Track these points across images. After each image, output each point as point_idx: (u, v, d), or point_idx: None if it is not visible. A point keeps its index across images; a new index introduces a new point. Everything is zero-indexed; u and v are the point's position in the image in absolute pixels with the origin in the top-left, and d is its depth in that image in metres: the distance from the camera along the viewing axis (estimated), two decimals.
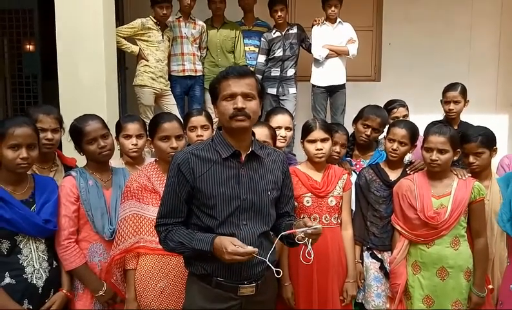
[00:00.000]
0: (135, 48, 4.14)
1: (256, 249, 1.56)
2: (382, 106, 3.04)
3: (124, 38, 4.07)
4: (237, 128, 1.68)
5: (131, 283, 2.08)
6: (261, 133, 2.31)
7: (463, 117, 3.36)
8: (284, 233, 1.68)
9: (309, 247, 1.62)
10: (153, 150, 2.23)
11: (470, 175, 2.35)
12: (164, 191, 1.76)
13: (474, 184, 2.26)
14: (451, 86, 3.31)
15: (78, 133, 2.19)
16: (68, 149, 2.36)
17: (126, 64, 4.62)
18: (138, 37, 4.16)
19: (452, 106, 3.24)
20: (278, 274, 1.67)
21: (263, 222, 1.74)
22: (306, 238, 1.62)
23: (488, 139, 2.42)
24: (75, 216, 2.13)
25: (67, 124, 2.31)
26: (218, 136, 1.76)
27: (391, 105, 3.32)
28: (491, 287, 2.29)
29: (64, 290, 2.10)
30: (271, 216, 1.78)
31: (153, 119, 2.29)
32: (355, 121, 2.87)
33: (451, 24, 5.12)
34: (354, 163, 2.82)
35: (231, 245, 1.56)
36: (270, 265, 1.67)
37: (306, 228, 1.61)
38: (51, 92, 3.83)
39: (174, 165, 1.72)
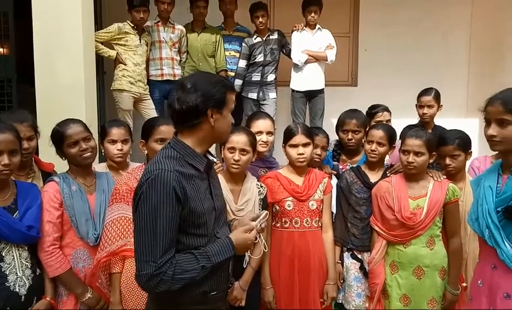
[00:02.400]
0: (113, 53, 4.11)
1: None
2: (360, 110, 3.11)
3: (101, 43, 4.04)
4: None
5: (116, 286, 2.08)
6: (240, 140, 2.25)
7: (437, 121, 3.48)
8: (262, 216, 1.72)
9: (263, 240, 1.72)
10: (145, 152, 2.21)
11: (445, 177, 2.43)
12: (159, 224, 1.43)
13: (449, 186, 2.34)
14: (425, 91, 3.43)
15: (59, 137, 2.16)
16: (45, 154, 2.32)
17: (104, 68, 4.57)
18: (116, 42, 4.13)
19: (426, 110, 3.36)
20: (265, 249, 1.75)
21: (225, 225, 1.72)
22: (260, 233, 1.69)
23: (464, 143, 2.52)
24: (59, 221, 2.11)
25: (44, 128, 2.27)
26: (181, 146, 1.56)
27: (374, 109, 3.42)
28: (464, 285, 2.37)
29: (47, 298, 2.08)
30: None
31: (149, 121, 2.29)
32: (337, 131, 2.93)
33: (425, 31, 5.28)
34: (341, 168, 2.86)
35: (250, 234, 1.60)
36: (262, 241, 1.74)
37: (262, 216, 1.69)
38: (27, 96, 3.76)
39: (167, 188, 1.44)
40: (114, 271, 2.09)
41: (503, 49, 5.24)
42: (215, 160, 1.70)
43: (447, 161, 2.51)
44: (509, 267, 1.68)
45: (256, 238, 1.65)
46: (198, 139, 1.57)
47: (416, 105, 3.47)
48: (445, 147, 2.51)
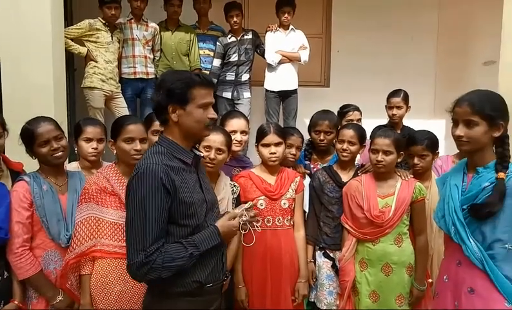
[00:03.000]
0: (83, 49, 4.03)
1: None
2: (332, 110, 3.17)
3: (71, 39, 3.95)
4: (207, 136, 1.75)
5: (86, 288, 2.04)
6: (216, 140, 2.28)
7: (405, 122, 3.58)
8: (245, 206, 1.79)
9: (251, 229, 1.81)
10: (114, 151, 2.18)
11: (412, 176, 2.51)
12: (149, 213, 1.52)
13: (416, 184, 2.41)
14: (394, 93, 3.52)
15: (29, 136, 2.10)
16: (12, 152, 2.25)
17: (75, 65, 4.47)
18: (87, 38, 4.05)
19: (395, 111, 3.46)
20: (258, 229, 1.89)
21: (217, 215, 1.79)
22: (248, 223, 1.76)
23: (432, 143, 2.60)
24: (29, 222, 2.05)
25: (11, 126, 2.21)
26: (167, 141, 1.65)
27: (346, 109, 3.50)
28: (430, 281, 2.44)
29: (16, 301, 2.02)
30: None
31: (118, 121, 2.25)
32: (309, 131, 2.97)
33: (394, 35, 5.40)
34: (312, 167, 2.90)
35: (235, 221, 1.69)
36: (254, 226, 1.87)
37: (244, 208, 1.77)
38: None
39: (155, 180, 1.53)
40: (84, 273, 2.05)
41: (468, 52, 5.43)
42: (202, 155, 1.79)
43: (416, 160, 2.58)
44: (473, 263, 1.74)
45: (246, 227, 1.76)
46: (177, 135, 1.66)
47: (385, 106, 3.56)
48: (414, 147, 2.58)
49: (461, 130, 1.76)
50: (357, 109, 3.50)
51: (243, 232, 1.78)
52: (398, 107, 3.45)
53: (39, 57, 3.12)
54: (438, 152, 2.68)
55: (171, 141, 1.65)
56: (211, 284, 1.68)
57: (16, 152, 2.19)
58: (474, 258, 1.74)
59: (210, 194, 1.77)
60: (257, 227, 1.85)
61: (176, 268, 1.55)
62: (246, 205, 1.78)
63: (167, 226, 1.58)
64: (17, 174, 2.26)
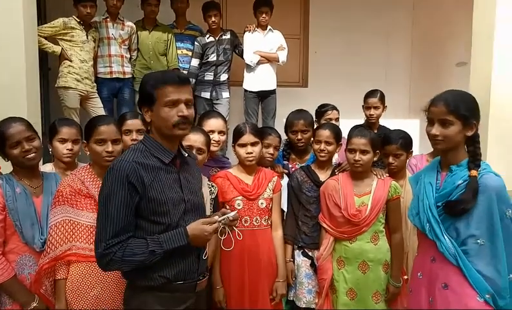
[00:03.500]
0: (57, 48, 3.94)
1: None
2: (311, 110, 3.20)
3: (45, 38, 3.85)
4: (180, 135, 1.70)
5: (61, 292, 1.99)
6: (197, 140, 2.31)
7: (381, 121, 3.64)
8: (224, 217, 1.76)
9: (230, 233, 1.77)
10: (88, 153, 2.14)
11: (388, 175, 2.55)
12: (111, 207, 1.57)
13: (391, 183, 2.45)
14: (371, 93, 3.57)
15: (0, 137, 2.04)
16: None
17: (49, 64, 4.36)
18: (61, 37, 3.97)
19: (372, 111, 3.51)
20: (239, 237, 1.83)
21: (202, 217, 1.77)
22: (227, 227, 1.74)
23: (406, 143, 2.65)
24: (1, 226, 1.99)
25: None
26: (149, 141, 1.70)
27: (324, 108, 3.54)
28: (406, 277, 2.47)
29: None
30: (205, 210, 1.86)
31: (90, 122, 2.20)
32: (286, 132, 2.98)
33: (370, 35, 5.49)
34: (290, 167, 2.91)
35: (208, 226, 1.65)
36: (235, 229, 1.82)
37: (227, 216, 1.74)
38: None
39: (120, 176, 1.57)
40: (59, 277, 2.00)
41: (442, 53, 5.57)
42: (187, 155, 1.79)
43: (390, 159, 2.63)
44: (447, 259, 1.79)
45: (225, 232, 1.74)
46: (156, 134, 1.70)
47: (363, 106, 3.61)
48: (389, 146, 2.63)
49: (436, 129, 1.80)
50: (335, 108, 3.55)
51: (222, 237, 1.75)
52: (376, 107, 3.51)
53: (11, 56, 3.02)
54: (412, 151, 2.73)
55: (152, 140, 1.69)
56: (182, 282, 1.68)
57: None
58: (449, 253, 1.78)
59: (194, 195, 1.76)
60: (238, 233, 1.81)
61: (136, 263, 1.58)
62: (231, 215, 1.74)
63: (135, 221, 1.62)
64: None
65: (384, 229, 2.46)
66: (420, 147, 3.51)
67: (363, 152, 2.40)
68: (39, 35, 3.63)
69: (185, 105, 1.66)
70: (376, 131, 3.38)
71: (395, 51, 5.61)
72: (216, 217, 1.69)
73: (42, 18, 4.16)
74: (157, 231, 1.63)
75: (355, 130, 2.48)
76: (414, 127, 3.70)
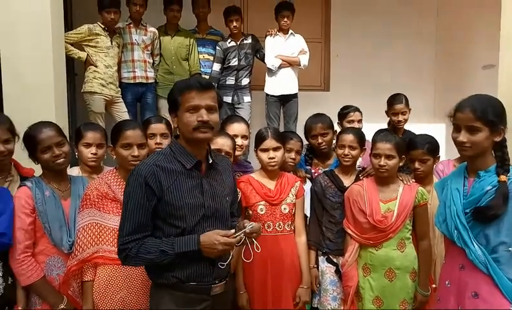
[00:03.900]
0: (83, 54, 4.01)
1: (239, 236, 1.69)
2: (332, 114, 3.18)
3: (71, 44, 3.94)
4: (201, 139, 1.73)
5: (88, 294, 2.03)
6: (224, 143, 2.36)
7: (405, 126, 3.57)
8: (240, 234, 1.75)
9: (249, 245, 1.75)
10: (114, 157, 2.18)
11: (414, 180, 2.50)
12: (129, 206, 1.68)
13: (418, 189, 2.41)
14: (396, 99, 3.49)
15: (31, 142, 2.10)
16: (23, 158, 2.25)
17: (76, 70, 4.45)
18: (86, 43, 4.04)
19: (400, 117, 3.45)
20: (258, 249, 1.77)
21: (224, 226, 1.79)
22: (246, 238, 1.73)
23: (433, 148, 2.59)
24: (31, 228, 2.04)
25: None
26: (176, 145, 1.77)
27: (346, 109, 3.49)
28: (434, 286, 2.42)
29: (19, 308, 2.02)
30: (229, 219, 1.87)
31: (116, 126, 2.25)
32: (306, 137, 2.97)
33: (393, 38, 5.42)
34: (313, 171, 2.89)
35: (220, 237, 1.64)
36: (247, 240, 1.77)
37: (244, 230, 1.72)
38: None
39: (139, 178, 1.67)
40: (86, 279, 2.05)
41: (467, 56, 5.46)
42: (210, 161, 1.80)
43: (416, 164, 2.58)
44: (477, 267, 1.75)
45: (244, 242, 1.73)
46: (182, 139, 1.76)
47: (386, 111, 3.55)
48: (415, 151, 2.58)
49: (464, 136, 1.77)
50: (357, 110, 3.50)
51: (238, 245, 1.74)
52: (403, 113, 3.46)
53: (40, 62, 3.10)
54: (439, 156, 2.68)
55: (178, 145, 1.76)
56: (195, 283, 1.72)
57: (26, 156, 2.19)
58: (478, 261, 1.74)
59: (216, 202, 1.78)
60: (256, 245, 1.78)
61: (148, 260, 1.68)
62: (247, 228, 1.73)
63: (154, 221, 1.70)
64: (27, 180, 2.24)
65: (410, 236, 2.41)
66: (446, 152, 3.43)
67: (388, 157, 2.37)
68: (65, 41, 3.72)
69: (206, 110, 1.70)
70: (401, 136, 3.33)
71: (419, 54, 5.52)
72: (232, 231, 1.69)
73: (69, 25, 4.26)
74: (173, 233, 1.70)
75: (380, 135, 2.44)
76: (439, 132, 3.60)
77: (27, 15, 3.07)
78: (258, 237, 1.80)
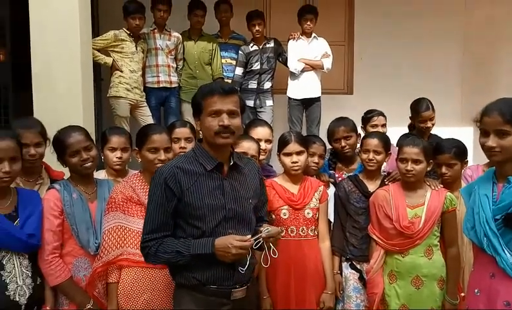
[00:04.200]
0: (109, 60, 4.11)
1: (253, 240, 1.67)
2: (356, 117, 3.14)
3: (97, 50, 4.03)
4: (222, 144, 1.74)
5: (113, 296, 2.06)
6: (250, 147, 2.38)
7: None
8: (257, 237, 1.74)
9: (266, 250, 1.74)
10: (139, 160, 2.21)
11: (442, 186, 2.45)
12: (150, 206, 1.74)
13: (447, 194, 2.35)
14: (422, 105, 3.35)
15: (60, 145, 2.16)
16: (52, 161, 2.32)
17: (102, 75, 4.56)
18: (112, 49, 4.13)
19: (429, 124, 3.36)
20: (274, 254, 1.76)
21: (247, 229, 1.79)
22: (264, 243, 1.72)
23: (460, 152, 2.53)
24: (59, 230, 2.09)
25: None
26: (199, 149, 1.80)
27: (370, 114, 3.43)
28: (463, 294, 2.34)
29: (47, 308, 2.06)
30: (252, 222, 1.85)
31: (142, 130, 2.28)
32: (329, 142, 2.94)
33: (418, 40, 5.34)
34: (336, 176, 2.87)
35: (235, 241, 1.63)
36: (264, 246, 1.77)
37: (259, 235, 1.71)
38: (23, 103, 3.74)
39: (160, 179, 1.72)
40: (111, 281, 2.08)
41: (495, 58, 5.32)
42: (233, 163, 1.81)
43: (444, 169, 2.52)
44: (509, 275, 1.69)
45: (262, 246, 1.73)
46: (205, 142, 1.79)
47: (411, 117, 3.46)
48: (441, 156, 2.52)
49: (493, 141, 1.73)
50: (382, 114, 3.43)
51: (257, 249, 1.75)
52: (431, 119, 3.36)
53: (68, 68, 3.19)
54: (467, 161, 2.61)
55: (200, 148, 1.80)
56: (215, 287, 1.73)
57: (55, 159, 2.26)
58: (510, 269, 1.69)
59: (238, 204, 1.79)
60: (273, 250, 1.76)
61: (165, 260, 1.73)
62: (264, 233, 1.72)
63: (175, 221, 1.74)
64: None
65: (438, 243, 2.36)
66: (474, 157, 3.33)
67: (415, 161, 2.32)
68: (92, 48, 3.81)
69: (228, 115, 1.71)
70: (427, 139, 3.25)
71: (445, 56, 5.41)
72: (248, 236, 1.69)
73: (95, 31, 4.36)
74: (194, 234, 1.73)
75: (407, 139, 2.40)
76: (467, 136, 3.51)
77: (56, 22, 3.17)
78: (278, 242, 1.79)
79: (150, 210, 1.74)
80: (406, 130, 3.44)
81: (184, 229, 1.74)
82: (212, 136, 1.73)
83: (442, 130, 3.46)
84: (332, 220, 2.65)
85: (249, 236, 1.68)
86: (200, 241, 1.69)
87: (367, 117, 3.44)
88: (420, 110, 3.37)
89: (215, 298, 1.74)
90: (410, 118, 3.50)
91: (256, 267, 2.25)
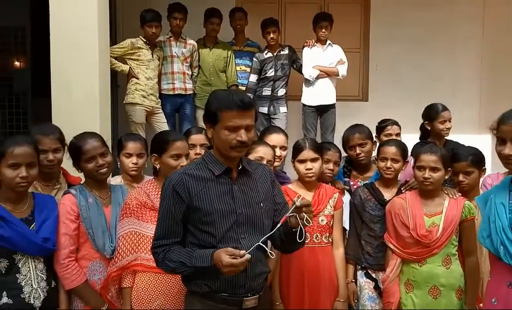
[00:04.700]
0: (125, 67, 4.17)
1: (248, 255, 1.57)
2: (371, 124, 3.11)
3: (114, 58, 4.10)
4: (236, 157, 1.74)
5: (127, 301, 2.08)
6: (266, 152, 2.39)
7: (449, 137, 3.44)
8: (278, 226, 1.69)
9: (300, 223, 1.64)
10: (158, 166, 2.20)
11: (460, 194, 2.40)
12: (160, 212, 1.75)
13: (465, 203, 2.32)
14: (439, 106, 3.32)
15: (76, 151, 2.19)
16: (67, 166, 2.36)
17: (118, 82, 4.63)
18: (129, 57, 4.20)
19: (449, 124, 3.30)
20: (272, 256, 1.74)
21: (259, 233, 1.75)
22: (299, 218, 1.64)
23: (478, 159, 2.49)
24: (75, 234, 2.12)
25: None
26: (208, 156, 1.78)
27: (384, 123, 3.40)
28: (481, 305, 2.29)
29: None
30: (265, 225, 1.79)
31: (162, 137, 2.29)
32: (344, 149, 2.91)
33: (435, 46, 5.29)
34: (352, 184, 2.84)
35: (226, 257, 1.57)
36: (267, 249, 1.73)
37: (293, 206, 1.63)
38: (42, 109, 3.81)
39: (169, 186, 1.72)
40: (125, 285, 2.09)
41: None
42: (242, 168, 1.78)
43: (461, 177, 2.47)
44: None
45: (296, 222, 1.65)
46: (215, 148, 1.77)
47: (427, 123, 3.39)
48: (458, 163, 2.47)
49: (510, 149, 1.70)
50: (396, 123, 3.40)
51: (290, 227, 1.67)
52: (450, 120, 3.31)
53: (86, 75, 3.24)
54: (485, 169, 2.55)
55: (210, 154, 1.78)
56: (227, 295, 1.70)
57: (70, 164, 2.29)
58: None
59: (250, 209, 1.75)
60: (307, 219, 1.64)
61: (171, 268, 1.72)
62: (298, 202, 1.63)
63: (185, 228, 1.73)
64: None
65: (456, 252, 2.32)
66: (492, 165, 3.26)
67: (433, 169, 2.29)
68: (109, 55, 3.87)
69: (245, 130, 1.68)
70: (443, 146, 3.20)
71: (463, 64, 5.34)
72: (242, 252, 1.58)
73: (113, 39, 4.44)
74: (205, 239, 1.71)
75: (425, 146, 2.37)
76: (485, 143, 3.44)
77: (75, 31, 3.23)
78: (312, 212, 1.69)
79: (159, 216, 1.75)
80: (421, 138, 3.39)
81: (196, 235, 1.73)
82: (227, 150, 1.70)
83: (459, 138, 3.41)
84: (347, 228, 2.62)
85: (244, 252, 1.58)
86: (201, 252, 1.66)
87: (381, 126, 3.40)
88: (439, 111, 3.32)
89: (226, 306, 1.71)
90: (425, 125, 3.42)
91: (270, 275, 2.24)
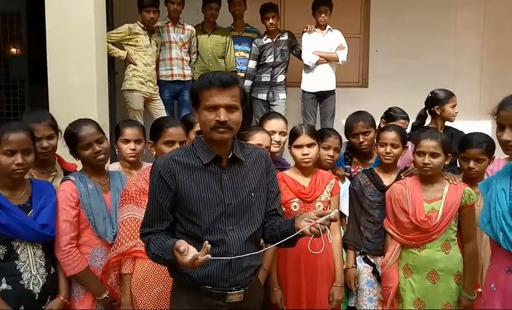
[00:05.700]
0: (123, 53, 4.12)
1: (197, 253, 1.45)
2: (371, 111, 3.08)
3: (112, 43, 4.05)
4: (217, 140, 1.63)
5: (127, 287, 2.08)
6: (263, 139, 2.37)
7: (448, 122, 3.42)
8: (301, 230, 1.57)
9: (321, 234, 1.54)
10: (154, 153, 2.20)
11: (461, 180, 2.39)
12: (148, 200, 1.69)
13: (465, 189, 2.31)
14: (447, 92, 3.31)
15: (72, 138, 2.17)
16: (64, 153, 2.34)
17: (116, 69, 4.59)
18: (126, 42, 4.15)
19: (457, 109, 3.29)
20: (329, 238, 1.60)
21: (249, 224, 1.69)
22: (326, 227, 1.54)
23: (491, 147, 2.43)
24: (76, 220, 2.11)
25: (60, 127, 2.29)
26: (198, 141, 1.69)
27: (394, 113, 3.40)
28: (480, 290, 2.31)
29: (61, 297, 2.09)
30: (256, 216, 1.72)
31: (158, 123, 2.27)
32: (347, 136, 2.88)
33: (436, 32, 5.24)
34: (353, 171, 2.83)
35: (178, 255, 1.46)
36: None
37: (326, 217, 1.53)
38: (39, 96, 3.78)
39: (155, 172, 1.65)
40: (125, 272, 2.09)
41: None
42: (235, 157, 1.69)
43: (471, 164, 2.42)
44: None
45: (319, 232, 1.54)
46: (204, 135, 1.69)
47: (434, 109, 3.34)
48: (471, 150, 2.43)
49: (508, 135, 1.69)
50: (407, 118, 3.37)
51: (309, 235, 1.56)
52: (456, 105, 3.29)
53: (83, 61, 3.23)
54: (494, 157, 2.50)
55: (200, 141, 1.70)
56: (210, 287, 1.64)
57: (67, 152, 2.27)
58: None
59: (240, 199, 1.66)
60: (329, 234, 1.59)
61: (151, 258, 1.65)
62: (332, 214, 1.55)
63: (167, 215, 1.66)
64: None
65: (456, 238, 2.32)
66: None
67: (433, 155, 2.28)
68: (106, 41, 3.83)
69: (226, 110, 1.59)
70: (442, 132, 3.18)
71: (464, 49, 5.30)
72: (197, 254, 1.45)
73: (110, 24, 4.39)
74: (190, 229, 1.64)
75: (425, 132, 2.36)
76: (485, 129, 3.42)
77: (71, 16, 3.21)
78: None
79: (147, 203, 1.69)
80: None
81: (183, 225, 1.66)
82: (208, 131, 1.62)
83: (460, 124, 3.39)
84: (347, 214, 2.62)
85: (198, 254, 1.44)
86: (168, 245, 1.55)
87: (391, 116, 3.36)
88: (448, 96, 3.29)
89: (210, 299, 1.65)
90: (435, 110, 3.32)
91: (261, 271, 2.17)
